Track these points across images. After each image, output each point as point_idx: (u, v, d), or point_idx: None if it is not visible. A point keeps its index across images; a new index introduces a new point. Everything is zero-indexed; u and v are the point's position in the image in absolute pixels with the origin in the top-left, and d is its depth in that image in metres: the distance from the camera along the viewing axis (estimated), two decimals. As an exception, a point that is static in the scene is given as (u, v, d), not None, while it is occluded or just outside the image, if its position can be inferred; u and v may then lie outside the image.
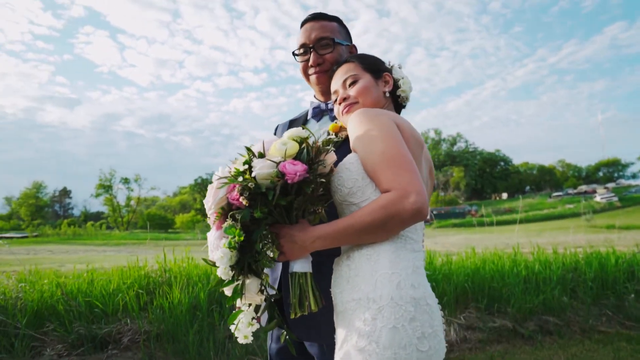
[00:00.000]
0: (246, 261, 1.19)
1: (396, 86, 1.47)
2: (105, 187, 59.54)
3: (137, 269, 4.37)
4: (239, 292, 1.18)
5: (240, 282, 1.19)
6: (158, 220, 55.43)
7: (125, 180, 60.80)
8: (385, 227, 1.10)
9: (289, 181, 1.12)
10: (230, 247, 1.14)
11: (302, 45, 1.62)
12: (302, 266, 1.22)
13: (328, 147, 1.24)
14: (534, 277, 4.87)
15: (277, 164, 1.15)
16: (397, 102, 1.49)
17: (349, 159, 1.24)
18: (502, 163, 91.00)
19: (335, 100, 1.44)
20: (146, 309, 3.85)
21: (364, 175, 1.18)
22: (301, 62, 1.64)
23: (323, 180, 1.20)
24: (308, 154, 1.18)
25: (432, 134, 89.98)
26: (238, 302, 1.28)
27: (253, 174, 1.14)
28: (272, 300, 1.28)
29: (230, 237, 1.14)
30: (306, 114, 1.72)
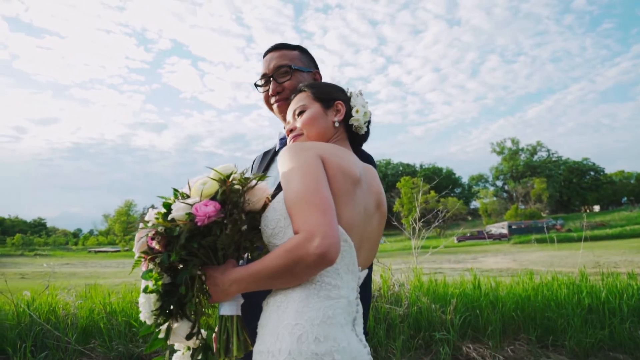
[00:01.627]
0: (173, 305, 1.17)
1: (349, 115, 1.40)
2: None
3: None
4: (159, 338, 1.17)
5: (165, 326, 1.18)
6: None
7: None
8: (292, 272, 1.02)
9: (199, 223, 1.10)
10: (146, 292, 1.13)
11: (263, 76, 1.62)
12: (228, 309, 1.18)
13: (251, 183, 1.19)
14: (600, 307, 4.31)
15: (192, 205, 1.13)
16: (352, 131, 1.41)
17: (278, 197, 1.18)
18: (591, 172, 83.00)
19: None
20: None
21: (286, 216, 1.12)
22: (263, 92, 1.64)
23: (240, 218, 1.16)
24: (223, 193, 1.14)
25: (509, 144, 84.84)
26: (176, 345, 1.27)
27: (170, 217, 1.13)
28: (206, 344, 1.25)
29: (148, 282, 1.13)
30: (275, 146, 1.71)
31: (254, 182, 1.21)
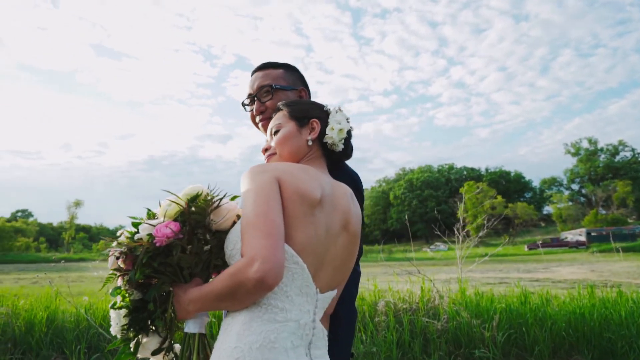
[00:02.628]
0: (141, 320, 1.23)
1: (325, 133, 1.39)
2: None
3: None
4: (127, 353, 1.22)
5: (134, 341, 1.23)
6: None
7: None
8: (234, 296, 1.03)
9: (157, 244, 1.14)
10: (114, 307, 1.19)
11: (249, 95, 1.65)
12: (192, 326, 1.21)
13: (215, 204, 1.22)
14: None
15: (154, 226, 1.18)
16: (328, 149, 1.40)
17: (241, 219, 1.20)
18: (686, 173, 74.14)
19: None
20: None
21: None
22: (249, 111, 1.67)
23: (205, 237, 1.19)
24: (182, 214, 1.18)
25: (585, 144, 78.31)
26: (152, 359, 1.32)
27: (136, 237, 1.19)
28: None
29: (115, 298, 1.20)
30: None
31: (218, 202, 1.24)
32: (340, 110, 1.44)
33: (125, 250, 1.17)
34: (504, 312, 3.96)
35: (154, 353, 1.23)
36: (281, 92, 1.60)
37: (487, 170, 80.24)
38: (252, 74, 1.68)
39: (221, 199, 1.25)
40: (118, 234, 1.27)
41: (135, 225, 1.24)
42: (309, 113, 1.39)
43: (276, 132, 1.38)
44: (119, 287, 1.20)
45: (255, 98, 1.61)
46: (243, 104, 1.69)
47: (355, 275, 1.44)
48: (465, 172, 79.58)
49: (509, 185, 73.96)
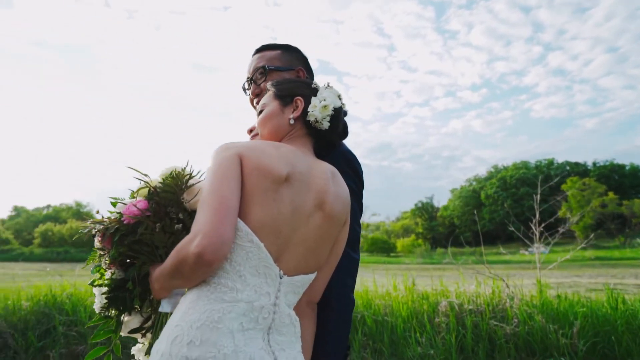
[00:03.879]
0: (122, 299, 1.25)
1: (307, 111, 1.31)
2: (335, 215, 67.32)
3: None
4: (107, 330, 1.24)
5: (115, 319, 1.26)
6: (380, 245, 58.40)
7: (351, 208, 67.40)
8: (181, 273, 0.99)
9: (125, 222, 1.15)
10: (93, 285, 1.23)
11: (247, 79, 1.63)
12: (165, 306, 1.20)
13: (184, 181, 1.20)
14: None
15: (126, 205, 1.19)
16: (312, 127, 1.31)
17: None
18: None
19: None
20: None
21: None
22: (248, 95, 1.64)
23: (177, 217, 1.17)
24: (150, 193, 1.18)
25: None
26: (139, 339, 1.34)
27: (107, 216, 1.22)
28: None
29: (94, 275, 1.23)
30: None
31: (187, 180, 1.22)
32: (329, 86, 1.35)
33: (100, 228, 1.19)
34: (587, 317, 3.45)
35: (132, 332, 1.24)
36: (275, 73, 1.55)
37: (594, 164, 71.74)
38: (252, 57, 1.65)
39: (191, 177, 1.23)
40: (95, 213, 1.31)
41: (114, 205, 1.27)
42: (292, 91, 1.33)
43: (260, 113, 1.34)
44: (99, 265, 1.24)
45: (252, 81, 1.58)
46: (243, 88, 1.67)
47: (348, 262, 1.33)
48: (568, 168, 72.07)
49: (623, 180, 65.35)
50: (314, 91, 1.33)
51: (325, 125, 1.30)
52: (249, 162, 1.09)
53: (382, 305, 4.08)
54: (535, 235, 4.69)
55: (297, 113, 1.29)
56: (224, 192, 1.02)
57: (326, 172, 1.22)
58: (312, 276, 1.17)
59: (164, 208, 1.19)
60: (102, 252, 1.25)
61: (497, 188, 68.78)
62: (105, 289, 1.23)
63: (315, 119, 1.28)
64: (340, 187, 1.23)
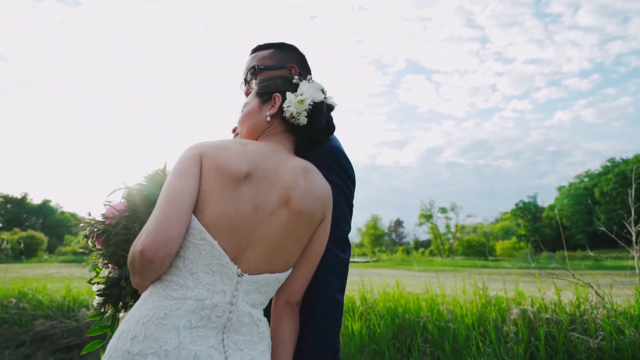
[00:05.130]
0: (116, 296, 1.34)
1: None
2: (427, 217, 64.93)
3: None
4: (103, 325, 1.33)
5: (109, 314, 1.35)
6: (477, 248, 55.16)
7: (443, 210, 64.42)
8: (134, 270, 1.03)
9: (106, 222, 1.23)
10: (91, 282, 1.33)
11: (243, 79, 1.65)
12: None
13: (158, 180, 1.25)
14: None
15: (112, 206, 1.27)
16: (290, 123, 1.29)
17: None
18: None
19: None
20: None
21: None
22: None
23: None
24: (128, 194, 1.24)
25: None
26: None
27: (91, 217, 1.31)
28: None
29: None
30: None
31: (162, 178, 1.26)
32: (310, 80, 1.32)
33: (87, 229, 1.29)
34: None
35: None
36: (265, 72, 1.55)
37: None
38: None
39: (165, 176, 1.28)
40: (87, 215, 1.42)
41: (107, 206, 1.36)
42: (270, 88, 1.32)
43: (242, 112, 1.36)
44: (96, 265, 1.34)
45: (245, 81, 1.61)
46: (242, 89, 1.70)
47: (333, 261, 1.28)
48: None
49: None
50: (294, 87, 1.30)
51: (302, 120, 1.26)
52: (207, 160, 1.10)
53: (447, 311, 3.84)
54: (632, 237, 4.05)
55: (274, 110, 1.27)
56: (175, 190, 1.05)
57: (296, 169, 1.18)
58: (280, 275, 1.14)
59: (145, 208, 1.25)
60: (98, 252, 1.35)
61: (614, 184, 60.83)
62: (102, 286, 1.33)
63: (291, 114, 1.26)
64: (313, 184, 1.19)
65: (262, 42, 1.66)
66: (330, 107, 1.35)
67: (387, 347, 3.69)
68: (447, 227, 64.03)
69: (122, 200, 1.28)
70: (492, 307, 3.70)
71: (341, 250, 1.31)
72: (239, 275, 1.06)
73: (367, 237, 71.63)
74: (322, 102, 1.30)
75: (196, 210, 1.06)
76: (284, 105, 1.26)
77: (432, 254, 64.25)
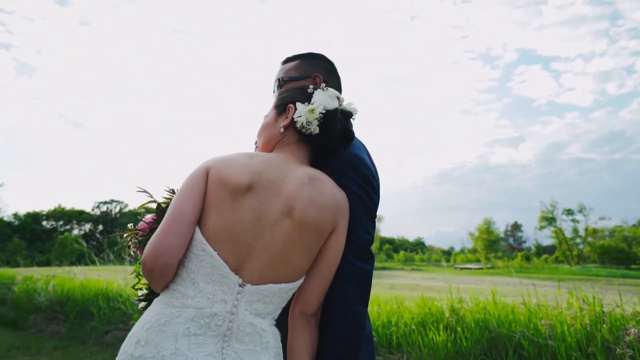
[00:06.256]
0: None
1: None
2: (548, 220, 58.16)
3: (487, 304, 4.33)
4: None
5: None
6: (614, 254, 48.06)
7: (568, 212, 57.01)
8: (145, 278, 1.10)
9: (140, 233, 1.34)
10: (135, 288, 1.47)
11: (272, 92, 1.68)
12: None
13: None
14: None
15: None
16: (303, 133, 1.28)
17: None
18: None
19: None
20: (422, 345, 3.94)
21: None
22: None
23: None
24: (158, 207, 1.34)
25: None
26: None
27: (129, 227, 1.44)
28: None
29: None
30: None
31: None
32: (324, 89, 1.30)
33: (131, 239, 1.43)
34: None
35: None
36: (291, 83, 1.55)
37: None
38: None
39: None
40: (129, 226, 1.56)
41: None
42: (285, 100, 1.34)
43: None
44: (139, 272, 1.47)
45: (273, 93, 1.63)
46: None
47: (352, 272, 1.23)
48: None
49: None
50: (309, 96, 1.29)
51: (314, 129, 1.24)
52: (212, 174, 1.14)
53: (547, 326, 3.40)
54: None
55: (287, 121, 1.28)
56: (179, 203, 1.11)
57: (301, 178, 1.17)
58: (285, 285, 1.13)
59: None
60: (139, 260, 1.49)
61: None
62: (145, 291, 1.46)
63: (302, 124, 1.25)
64: (319, 193, 1.16)
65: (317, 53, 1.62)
66: (348, 114, 1.30)
67: (475, 363, 3.40)
68: (575, 230, 56.65)
69: (152, 214, 1.39)
70: (604, 325, 3.18)
71: (361, 260, 1.25)
72: (240, 285, 1.08)
73: (479, 242, 66.94)
74: (335, 109, 1.26)
75: (200, 222, 1.11)
76: (295, 115, 1.25)
77: (557, 260, 57.71)
